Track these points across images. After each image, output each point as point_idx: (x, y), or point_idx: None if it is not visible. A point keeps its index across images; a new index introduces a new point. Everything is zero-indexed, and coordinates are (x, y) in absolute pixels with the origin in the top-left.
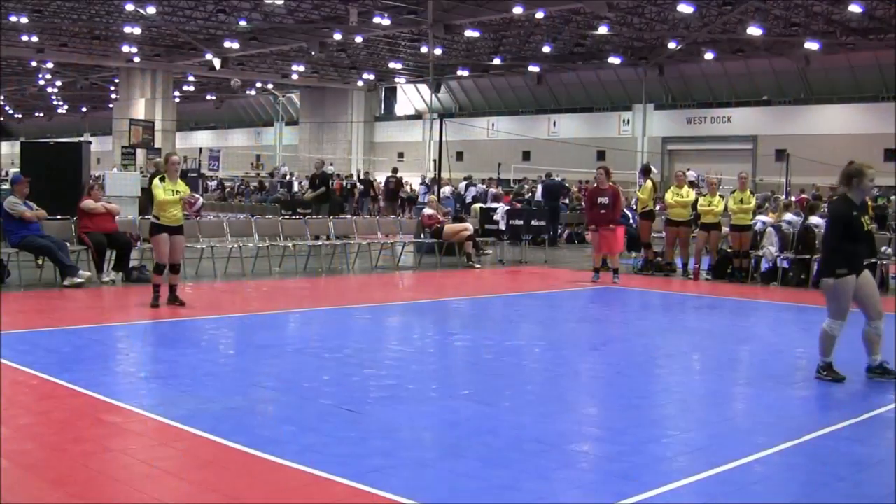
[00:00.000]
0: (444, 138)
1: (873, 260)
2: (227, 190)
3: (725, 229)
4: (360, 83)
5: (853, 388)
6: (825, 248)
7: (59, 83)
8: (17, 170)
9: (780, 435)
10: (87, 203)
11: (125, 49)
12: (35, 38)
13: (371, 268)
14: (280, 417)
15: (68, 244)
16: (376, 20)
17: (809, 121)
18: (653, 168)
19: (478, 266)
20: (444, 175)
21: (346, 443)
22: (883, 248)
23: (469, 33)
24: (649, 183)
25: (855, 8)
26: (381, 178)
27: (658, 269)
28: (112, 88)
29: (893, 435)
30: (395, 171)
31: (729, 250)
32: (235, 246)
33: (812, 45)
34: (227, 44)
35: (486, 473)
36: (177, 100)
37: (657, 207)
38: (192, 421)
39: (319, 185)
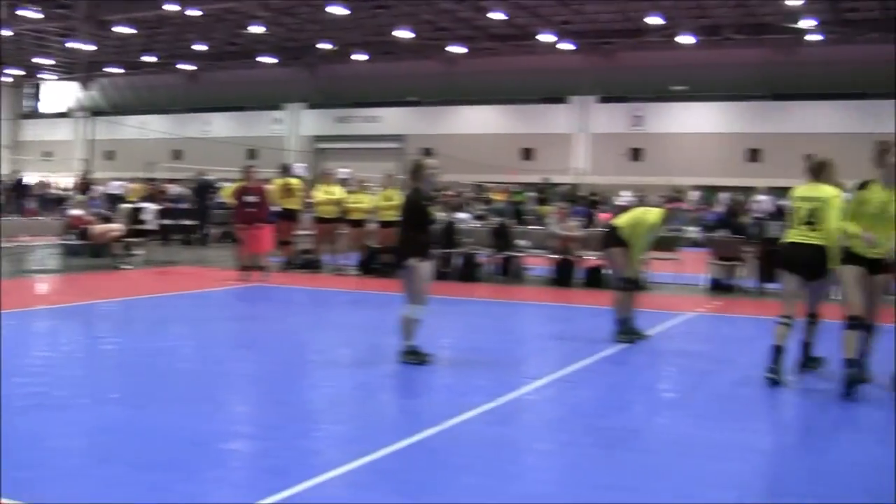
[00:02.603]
0: (93, 137)
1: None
2: None
3: (373, 226)
4: (4, 79)
5: (491, 373)
6: (399, 237)
7: None
8: None
9: (425, 422)
10: None
11: None
12: None
13: (16, 271)
14: None
15: None
16: (24, 13)
17: (454, 121)
18: (293, 166)
19: (127, 267)
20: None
21: None
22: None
23: (121, 29)
24: (278, 181)
25: (498, 15)
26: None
27: (306, 265)
28: None
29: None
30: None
31: (376, 246)
32: None
33: (457, 49)
34: None
35: (137, 477)
36: None
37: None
38: None
39: None
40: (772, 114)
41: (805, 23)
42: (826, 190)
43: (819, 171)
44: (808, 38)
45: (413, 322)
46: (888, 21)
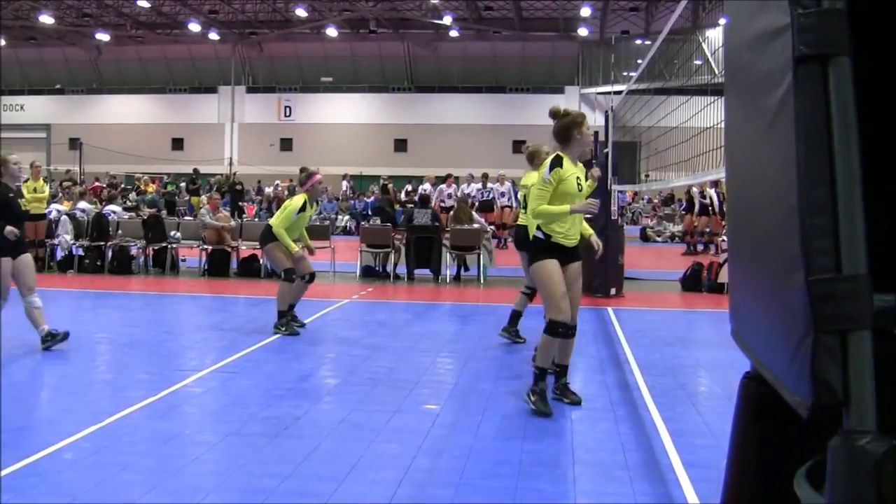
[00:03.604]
0: None
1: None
2: None
3: None
4: None
5: (152, 367)
6: None
7: None
8: None
9: (84, 420)
10: None
11: None
12: None
13: None
14: None
15: None
16: None
17: (103, 110)
18: None
19: None
20: None
21: None
22: None
23: None
24: None
25: (144, 3)
26: None
27: None
28: None
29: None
30: None
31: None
32: None
33: (103, 36)
34: None
35: None
36: None
37: None
38: None
39: None
40: (416, 105)
41: (445, 19)
42: (533, 177)
43: (531, 159)
44: (449, 34)
45: (34, 311)
46: (520, 20)
